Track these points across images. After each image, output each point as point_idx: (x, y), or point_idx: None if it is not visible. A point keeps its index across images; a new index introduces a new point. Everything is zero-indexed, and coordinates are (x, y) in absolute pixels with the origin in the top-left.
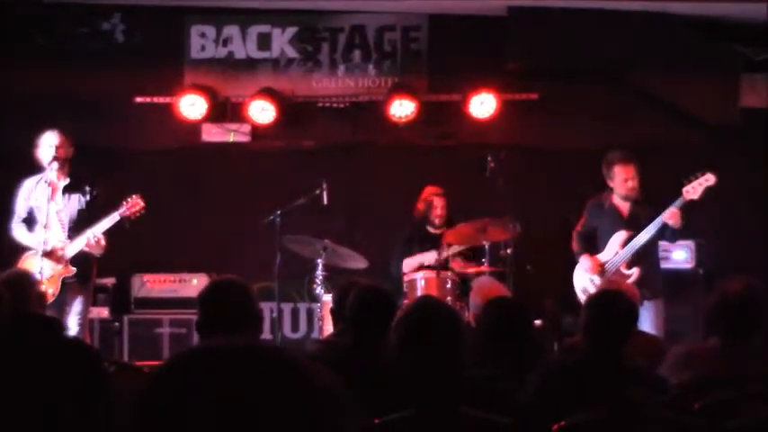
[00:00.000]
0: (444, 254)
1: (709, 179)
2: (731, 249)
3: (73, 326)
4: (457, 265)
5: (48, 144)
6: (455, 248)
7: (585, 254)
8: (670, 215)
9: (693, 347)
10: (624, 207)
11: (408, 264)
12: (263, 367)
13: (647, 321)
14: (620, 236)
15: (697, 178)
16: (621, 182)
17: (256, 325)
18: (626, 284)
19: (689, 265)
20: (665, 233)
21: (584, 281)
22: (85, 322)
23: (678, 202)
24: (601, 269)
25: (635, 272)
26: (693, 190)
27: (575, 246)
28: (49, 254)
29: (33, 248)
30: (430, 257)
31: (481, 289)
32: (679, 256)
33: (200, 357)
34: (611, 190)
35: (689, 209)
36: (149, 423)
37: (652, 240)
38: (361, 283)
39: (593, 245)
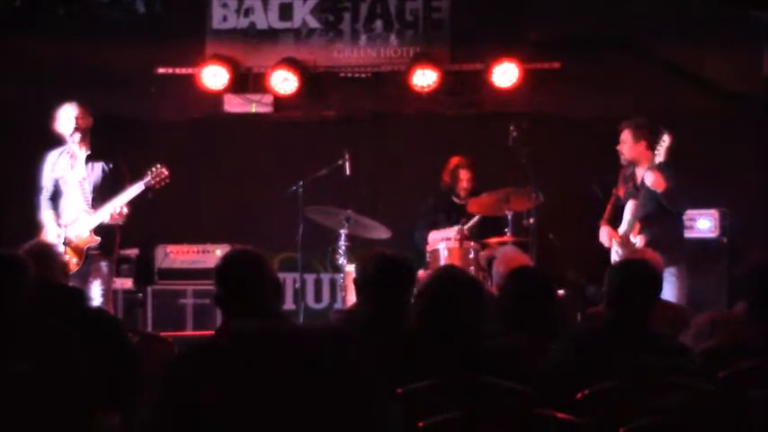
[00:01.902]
0: (465, 228)
1: (665, 140)
2: (755, 218)
3: (96, 296)
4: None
5: (67, 116)
6: (473, 221)
7: (604, 224)
8: (646, 177)
9: (717, 315)
10: (639, 174)
11: (433, 238)
12: (288, 350)
13: (666, 289)
14: (630, 204)
15: (659, 139)
16: (618, 145)
17: (276, 294)
18: (650, 252)
19: (713, 234)
20: (660, 198)
21: (613, 253)
22: (109, 293)
23: (649, 164)
24: (619, 240)
25: (639, 239)
26: (659, 153)
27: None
28: (72, 224)
29: (53, 230)
30: (452, 233)
31: (505, 258)
32: (703, 225)
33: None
34: None
35: (668, 170)
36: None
37: (647, 206)
38: (380, 251)
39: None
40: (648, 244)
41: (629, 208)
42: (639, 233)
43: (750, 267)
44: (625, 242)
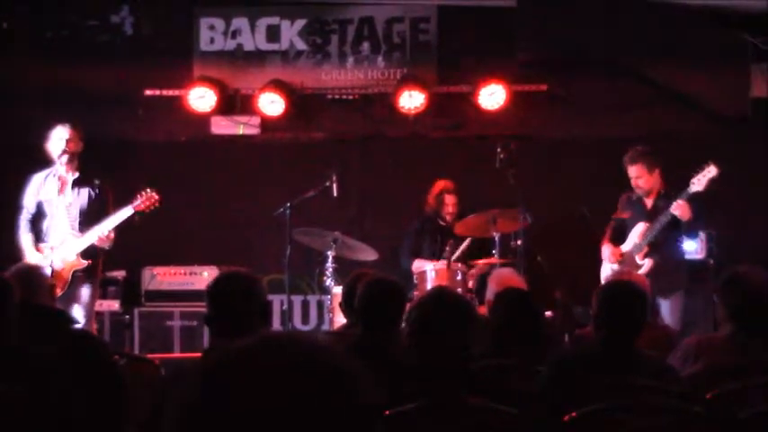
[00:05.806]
0: (452, 256)
1: (711, 171)
2: (742, 240)
3: (79, 317)
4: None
5: (58, 137)
6: (462, 247)
7: (607, 242)
8: (677, 207)
9: (704, 338)
10: (648, 200)
11: (418, 265)
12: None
13: (666, 314)
14: (640, 227)
15: (702, 170)
16: (632, 180)
17: (264, 317)
18: (636, 275)
19: (699, 256)
20: (680, 226)
21: (607, 270)
22: (92, 314)
23: (684, 195)
24: (620, 258)
25: (647, 263)
26: (698, 182)
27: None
28: (59, 247)
29: (31, 254)
30: (439, 265)
31: (498, 278)
32: (690, 246)
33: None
34: None
35: (699, 201)
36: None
37: (663, 231)
38: (369, 275)
39: (624, 237)
40: (655, 267)
41: (639, 230)
42: (647, 256)
43: (740, 288)
44: (627, 260)
